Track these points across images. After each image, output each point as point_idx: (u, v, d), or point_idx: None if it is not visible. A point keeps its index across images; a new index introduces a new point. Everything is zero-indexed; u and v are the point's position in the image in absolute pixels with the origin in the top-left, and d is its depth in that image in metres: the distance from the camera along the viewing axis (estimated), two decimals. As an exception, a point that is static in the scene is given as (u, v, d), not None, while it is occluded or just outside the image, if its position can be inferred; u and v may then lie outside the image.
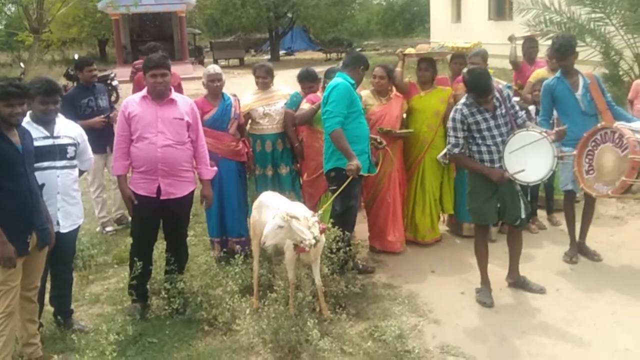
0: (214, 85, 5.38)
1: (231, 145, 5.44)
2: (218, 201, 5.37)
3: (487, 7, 21.68)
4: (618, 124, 4.84)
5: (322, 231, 4.34)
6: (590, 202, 5.43)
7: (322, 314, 4.47)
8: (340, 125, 4.78)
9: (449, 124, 4.69)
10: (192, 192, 4.69)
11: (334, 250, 4.68)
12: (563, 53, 5.20)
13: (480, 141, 4.59)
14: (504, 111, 4.61)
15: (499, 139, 4.57)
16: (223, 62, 27.50)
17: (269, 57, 30.39)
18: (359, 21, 41.59)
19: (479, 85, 4.46)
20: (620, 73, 11.15)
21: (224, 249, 5.46)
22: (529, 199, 6.17)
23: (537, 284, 4.88)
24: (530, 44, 7.16)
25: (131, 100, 4.56)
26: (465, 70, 5.12)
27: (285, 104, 5.69)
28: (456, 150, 4.66)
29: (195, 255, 5.27)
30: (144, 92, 4.55)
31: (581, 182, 5.00)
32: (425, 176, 5.84)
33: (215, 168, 4.83)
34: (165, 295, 4.53)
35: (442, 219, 6.31)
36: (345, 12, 33.22)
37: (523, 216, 4.72)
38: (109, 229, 6.60)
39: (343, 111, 4.81)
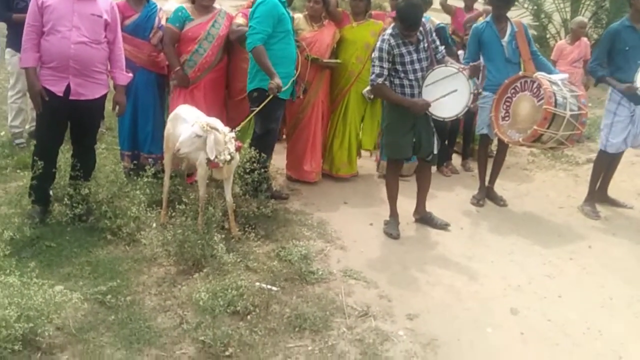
0: (138, -13, 5.08)
1: (152, 56, 5.18)
2: (132, 112, 5.16)
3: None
4: (538, 74, 4.95)
5: (237, 149, 4.26)
6: (502, 149, 5.59)
7: (230, 232, 4.43)
8: (262, 42, 4.63)
9: (375, 53, 4.60)
10: (104, 97, 4.45)
11: (248, 171, 4.61)
12: (507, 2, 5.28)
13: (402, 75, 4.57)
14: (425, 45, 4.60)
15: (419, 74, 4.57)
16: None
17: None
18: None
19: (410, 17, 4.38)
20: (548, 36, 11.46)
21: (135, 162, 5.27)
22: (447, 143, 6.34)
23: (442, 220, 5.02)
24: None
25: None
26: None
27: (167, 19, 5.22)
28: (380, 80, 4.58)
29: (103, 165, 5.04)
30: None
31: (496, 127, 5.12)
32: (349, 109, 5.80)
33: (130, 74, 4.59)
34: (68, 202, 4.33)
35: (373, 156, 6.35)
36: None
37: (435, 152, 4.82)
38: (18, 141, 6.11)
39: (267, 29, 4.66)
